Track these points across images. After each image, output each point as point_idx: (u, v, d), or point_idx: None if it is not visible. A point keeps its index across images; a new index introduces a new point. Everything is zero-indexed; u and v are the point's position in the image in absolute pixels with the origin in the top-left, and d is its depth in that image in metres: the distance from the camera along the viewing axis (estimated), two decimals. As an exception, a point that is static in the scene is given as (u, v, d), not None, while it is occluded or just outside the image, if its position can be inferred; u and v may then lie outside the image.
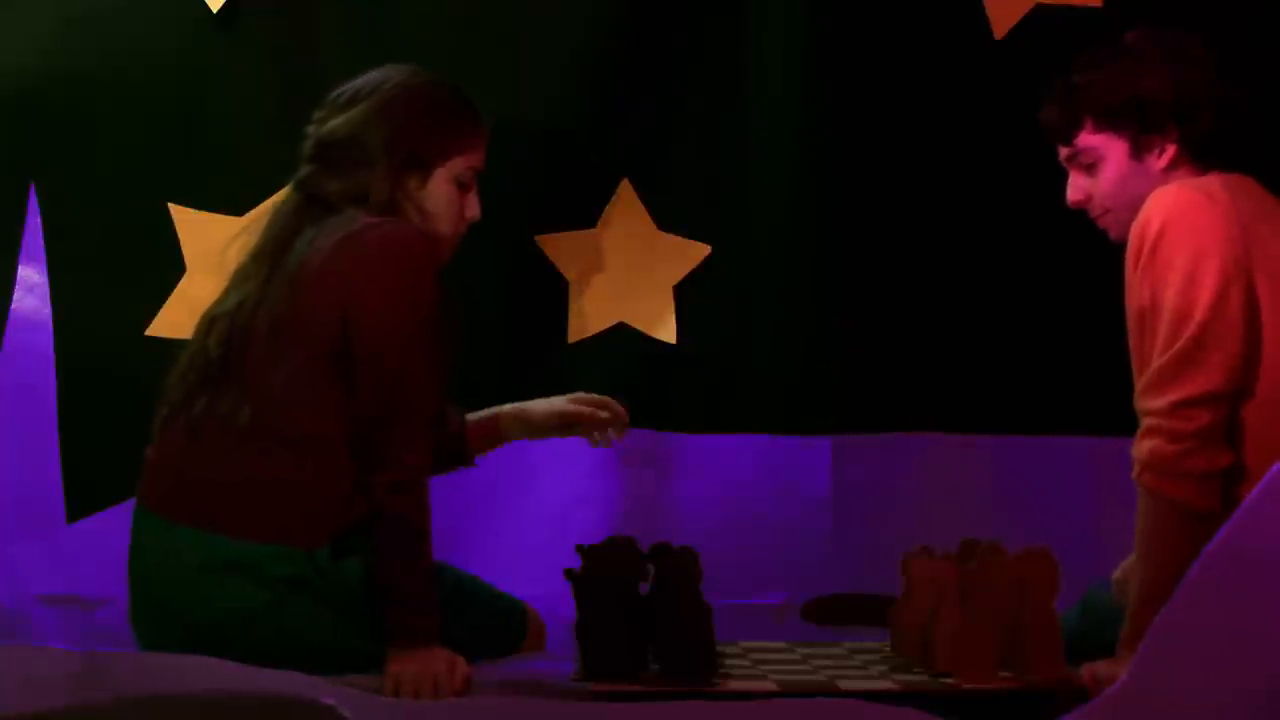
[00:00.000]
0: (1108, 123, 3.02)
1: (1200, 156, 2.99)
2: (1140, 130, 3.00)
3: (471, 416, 3.30)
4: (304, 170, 3.09)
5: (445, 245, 3.10)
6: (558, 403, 3.31)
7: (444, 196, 3.09)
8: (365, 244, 2.94)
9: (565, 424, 3.31)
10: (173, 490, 2.95)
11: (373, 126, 3.05)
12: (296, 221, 3.03)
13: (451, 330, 3.02)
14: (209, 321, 3.01)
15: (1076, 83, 3.04)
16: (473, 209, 3.14)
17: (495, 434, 3.32)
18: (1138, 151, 3.01)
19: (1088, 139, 3.04)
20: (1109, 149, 3.03)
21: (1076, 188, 3.09)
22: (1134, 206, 2.94)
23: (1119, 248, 2.99)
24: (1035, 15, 3.52)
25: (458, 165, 3.10)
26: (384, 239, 2.95)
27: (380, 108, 3.06)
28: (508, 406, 3.33)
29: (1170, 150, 3.00)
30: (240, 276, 3.03)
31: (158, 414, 3.01)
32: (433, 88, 3.12)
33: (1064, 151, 3.09)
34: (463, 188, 3.11)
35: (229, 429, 2.91)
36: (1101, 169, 3.05)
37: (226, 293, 3.03)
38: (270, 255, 3.01)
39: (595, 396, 3.31)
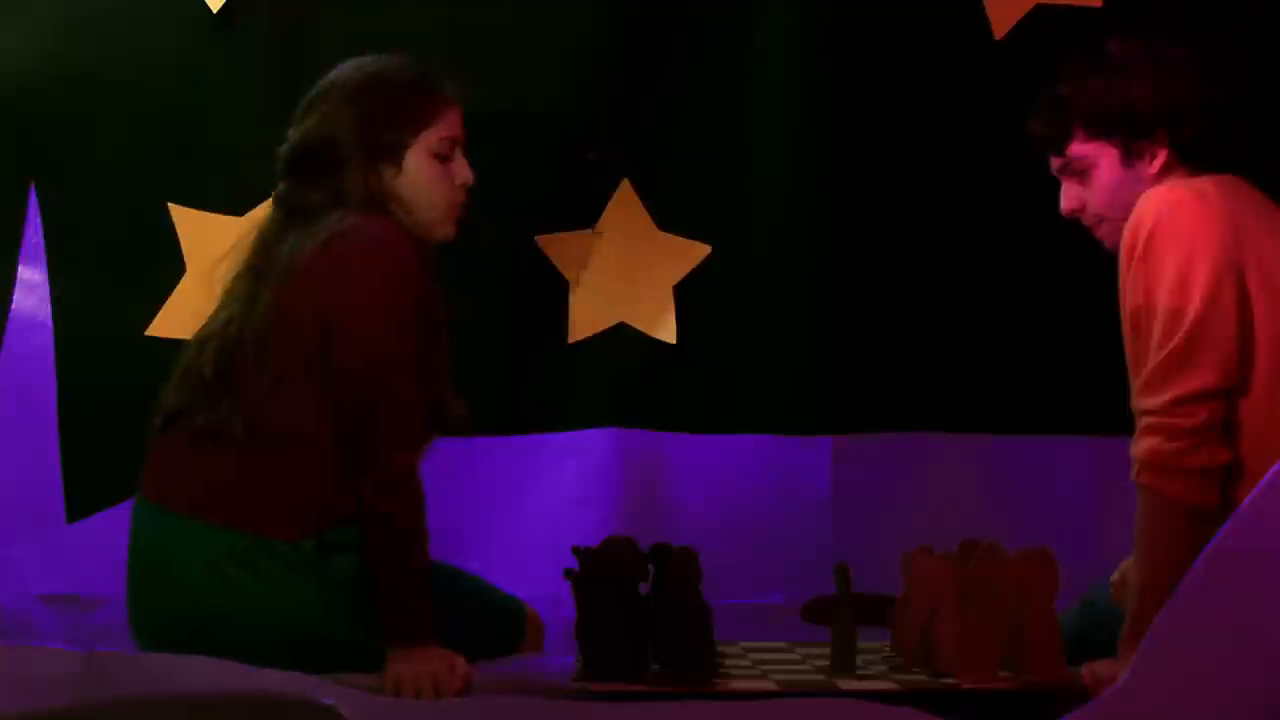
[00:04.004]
0: (1098, 131, 3.02)
1: (1191, 160, 2.99)
2: (1130, 137, 3.00)
3: None
4: (281, 186, 3.05)
5: (439, 225, 3.05)
6: None
7: (423, 176, 3.02)
8: (344, 245, 2.91)
9: None
10: (170, 484, 2.94)
11: (333, 127, 3.00)
12: (280, 234, 3.00)
13: (439, 324, 2.98)
14: (200, 343, 2.99)
15: (1064, 93, 3.04)
16: (463, 174, 3.05)
17: None
18: (1129, 158, 3.01)
19: (1079, 148, 3.04)
20: (1101, 157, 3.03)
21: (1070, 196, 3.08)
22: (1129, 213, 2.93)
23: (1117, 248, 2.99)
24: (1035, 15, 3.53)
25: (429, 140, 3.02)
26: (362, 239, 2.91)
27: (335, 107, 3.01)
28: None
29: (1161, 155, 3.00)
30: (229, 295, 3.01)
31: (153, 422, 2.99)
32: (382, 71, 3.04)
33: (1056, 162, 3.09)
34: (443, 159, 3.04)
35: (224, 439, 2.90)
36: (1094, 177, 3.04)
37: (216, 311, 3.02)
38: (255, 271, 2.99)
39: None
